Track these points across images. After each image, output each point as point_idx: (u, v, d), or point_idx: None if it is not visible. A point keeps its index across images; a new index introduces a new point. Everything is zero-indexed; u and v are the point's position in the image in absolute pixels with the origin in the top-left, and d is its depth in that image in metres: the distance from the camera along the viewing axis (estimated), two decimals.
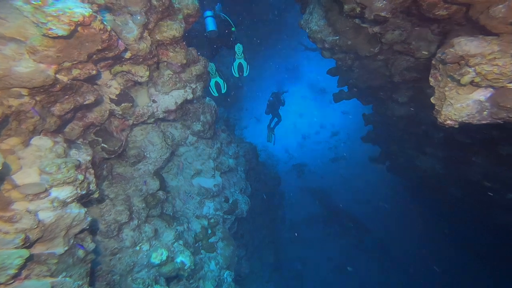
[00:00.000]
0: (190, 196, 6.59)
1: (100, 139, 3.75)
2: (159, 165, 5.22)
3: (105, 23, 2.29)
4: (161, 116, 4.52)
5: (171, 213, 6.05)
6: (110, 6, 2.77)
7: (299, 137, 18.26)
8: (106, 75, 3.12)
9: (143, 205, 4.98)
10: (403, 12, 3.77)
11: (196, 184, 6.62)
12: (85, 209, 2.93)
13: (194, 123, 5.58)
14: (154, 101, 4.29)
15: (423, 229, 13.39)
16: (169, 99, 4.35)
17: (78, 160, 2.82)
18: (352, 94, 8.01)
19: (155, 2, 3.18)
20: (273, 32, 17.58)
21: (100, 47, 2.38)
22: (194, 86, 4.70)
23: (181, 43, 4.00)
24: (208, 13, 5.37)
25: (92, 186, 3.02)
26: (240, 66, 5.77)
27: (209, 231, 6.66)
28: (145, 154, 4.96)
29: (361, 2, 3.42)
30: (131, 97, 3.64)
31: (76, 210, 2.79)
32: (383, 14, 3.28)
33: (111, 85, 3.27)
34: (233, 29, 5.79)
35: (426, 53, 4.49)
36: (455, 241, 12.35)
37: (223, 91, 5.81)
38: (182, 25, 3.81)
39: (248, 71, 5.82)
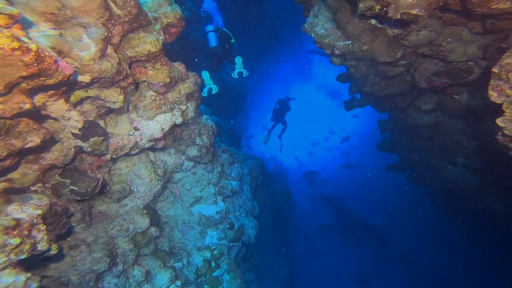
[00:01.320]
0: (189, 226, 5.82)
1: (67, 181, 3.04)
2: (149, 199, 4.47)
3: (25, 39, 1.57)
4: (147, 145, 3.78)
5: (168, 249, 5.28)
6: (51, 18, 2.06)
7: (308, 144, 17.32)
8: (60, 106, 2.42)
9: (131, 246, 4.23)
10: (435, 8, 2.93)
11: (196, 212, 5.84)
12: (27, 274, 2.21)
13: (189, 148, 4.82)
14: (136, 129, 3.56)
15: (453, 239, 12.24)
16: (154, 126, 3.62)
17: (15, 219, 2.11)
18: (365, 101, 7.10)
19: (117, 11, 2.45)
20: (279, 36, 16.91)
21: (25, 73, 1.66)
22: (184, 108, 3.95)
23: (163, 59, 3.27)
24: (209, 27, 5.47)
25: (42, 245, 2.29)
26: (240, 73, 5.85)
27: (213, 264, 5.84)
28: (132, 188, 4.22)
29: None
30: (102, 128, 2.92)
31: (9, 279, 2.08)
32: (414, 11, 2.44)
33: (70, 117, 2.56)
34: (232, 41, 5.82)
35: (462, 55, 3.60)
36: (489, 252, 11.13)
37: (213, 92, 5.73)
38: (160, 37, 3.07)
39: (247, 73, 5.87)
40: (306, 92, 18.40)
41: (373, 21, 3.71)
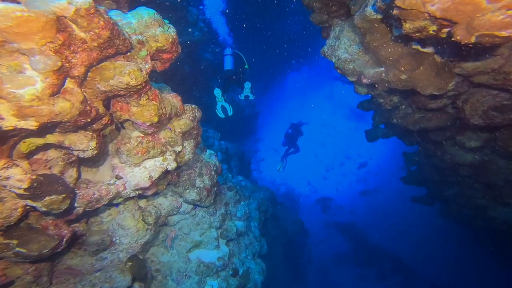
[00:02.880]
0: (185, 275, 4.90)
1: (13, 242, 2.29)
2: (135, 250, 3.65)
3: None
4: (132, 195, 3.03)
5: None
6: None
7: (322, 169, 16.25)
8: None
9: None
10: None
11: (194, 259, 4.93)
12: None
13: (187, 190, 4.02)
14: (118, 177, 2.82)
15: (489, 272, 10.75)
16: (140, 173, 2.87)
17: None
18: (391, 132, 6.18)
19: (80, 33, 1.76)
20: (292, 56, 16.50)
21: None
22: (179, 149, 3.20)
23: (150, 92, 2.56)
24: (228, 51, 5.71)
25: None
26: (246, 96, 5.93)
27: None
28: (114, 239, 3.42)
29: (445, 16, 1.81)
30: (63, 184, 2.18)
31: None
32: (504, 33, 1.60)
33: (9, 176, 1.85)
34: (246, 66, 5.91)
35: None
36: None
37: (230, 113, 5.86)
38: (146, 66, 2.38)
39: (253, 97, 5.96)
40: (319, 114, 17.59)
41: (414, 45, 2.92)
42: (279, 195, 14.73)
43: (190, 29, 8.23)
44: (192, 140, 3.47)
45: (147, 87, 2.46)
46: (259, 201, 7.64)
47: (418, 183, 8.59)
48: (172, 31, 2.68)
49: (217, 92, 5.51)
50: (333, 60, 3.80)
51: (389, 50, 2.76)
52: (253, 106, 13.52)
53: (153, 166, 2.97)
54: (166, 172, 3.17)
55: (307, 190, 16.26)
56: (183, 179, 4.11)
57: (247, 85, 5.70)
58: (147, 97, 2.53)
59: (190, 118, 3.24)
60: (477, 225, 7.86)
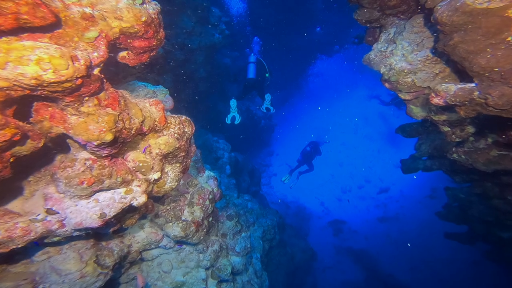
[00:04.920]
0: None
1: None
2: None
3: None
4: (76, 234, 2.06)
5: None
6: None
7: (337, 190, 14.79)
8: None
9: None
10: None
11: None
12: None
13: (170, 224, 3.00)
14: (51, 212, 1.86)
15: None
16: (88, 208, 1.89)
17: None
18: (438, 166, 4.87)
19: None
20: (314, 68, 15.46)
21: None
22: (156, 177, 2.20)
23: (105, 94, 1.58)
24: (252, 58, 5.67)
25: None
26: (267, 109, 5.93)
27: None
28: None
29: None
30: None
31: None
32: None
33: None
34: (267, 75, 5.87)
35: None
36: None
37: (236, 122, 5.87)
38: (94, 54, 1.41)
39: (273, 110, 5.96)
40: (339, 132, 16.22)
41: None
42: (289, 213, 13.52)
43: (211, 31, 7.39)
44: (177, 165, 2.46)
45: (95, 87, 1.47)
46: (265, 229, 6.48)
47: (458, 221, 7.16)
48: (151, 8, 1.70)
49: (233, 102, 5.60)
50: (382, 70, 2.69)
51: (498, 56, 1.64)
52: (269, 118, 12.52)
53: (110, 200, 1.97)
54: (130, 209, 2.17)
55: (319, 211, 14.93)
56: (167, 207, 3.09)
57: (268, 97, 5.68)
58: (96, 102, 1.54)
59: (175, 135, 2.23)
60: None
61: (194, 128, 2.48)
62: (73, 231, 1.99)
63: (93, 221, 1.94)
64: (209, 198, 3.45)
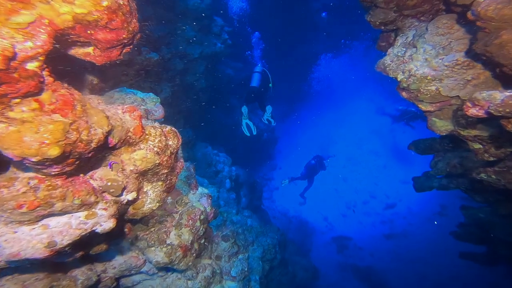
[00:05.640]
0: None
1: None
2: None
3: None
4: (14, 265, 1.63)
5: None
6: None
7: (341, 206, 14.13)
8: None
9: None
10: None
11: None
12: None
13: (152, 248, 2.56)
14: None
15: None
16: (30, 236, 1.47)
17: None
18: (456, 185, 4.36)
19: None
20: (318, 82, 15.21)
21: None
22: (131, 197, 1.78)
23: (48, 95, 1.20)
24: (258, 68, 5.69)
25: None
26: (268, 120, 5.89)
27: None
28: None
29: None
30: None
31: None
32: None
33: None
34: (270, 85, 5.83)
35: None
36: None
37: (254, 133, 5.84)
38: (26, 44, 1.05)
39: (274, 123, 5.93)
40: (345, 146, 15.71)
41: None
42: (291, 228, 12.90)
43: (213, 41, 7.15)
44: (159, 183, 2.03)
45: (28, 85, 1.08)
46: (266, 248, 5.92)
47: (477, 241, 6.53)
48: None
49: (244, 109, 5.49)
50: (400, 77, 2.28)
51: None
52: (272, 130, 12.13)
53: (64, 226, 1.54)
54: (95, 235, 1.73)
55: (323, 226, 14.25)
56: (151, 229, 2.65)
57: (269, 108, 5.59)
58: (35, 106, 1.15)
59: (155, 149, 1.82)
60: None
61: (180, 140, 2.08)
62: (8, 262, 1.56)
63: (36, 251, 1.50)
64: (200, 218, 2.99)
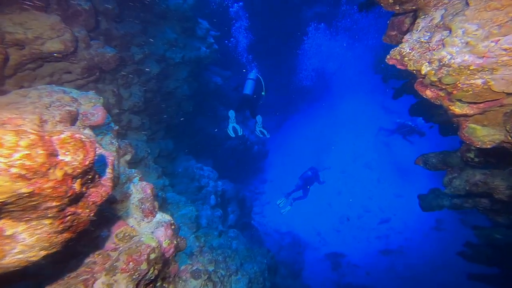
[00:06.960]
0: None
1: None
2: None
3: None
4: None
5: None
6: None
7: (335, 220, 13.25)
8: None
9: None
10: None
11: None
12: None
13: None
14: None
15: None
16: None
17: None
18: (470, 205, 3.60)
19: None
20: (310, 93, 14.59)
21: None
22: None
23: None
24: (252, 75, 5.52)
25: None
26: (262, 132, 5.70)
27: None
28: None
29: None
30: None
31: None
32: None
33: None
34: (262, 93, 5.71)
35: None
36: None
37: (240, 133, 5.63)
38: None
39: (268, 135, 5.76)
40: (338, 160, 14.99)
41: None
42: (283, 245, 11.89)
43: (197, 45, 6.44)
44: (46, 221, 1.19)
45: None
46: (252, 277, 4.97)
47: (489, 262, 5.74)
48: None
49: (231, 113, 5.37)
50: (425, 69, 1.56)
51: None
52: (263, 143, 11.36)
53: None
54: None
55: (316, 241, 13.28)
56: (64, 278, 1.75)
57: (259, 118, 5.45)
58: None
59: (14, 169, 1.00)
60: None
61: (90, 154, 1.25)
62: None
63: None
64: (149, 258, 2.10)
